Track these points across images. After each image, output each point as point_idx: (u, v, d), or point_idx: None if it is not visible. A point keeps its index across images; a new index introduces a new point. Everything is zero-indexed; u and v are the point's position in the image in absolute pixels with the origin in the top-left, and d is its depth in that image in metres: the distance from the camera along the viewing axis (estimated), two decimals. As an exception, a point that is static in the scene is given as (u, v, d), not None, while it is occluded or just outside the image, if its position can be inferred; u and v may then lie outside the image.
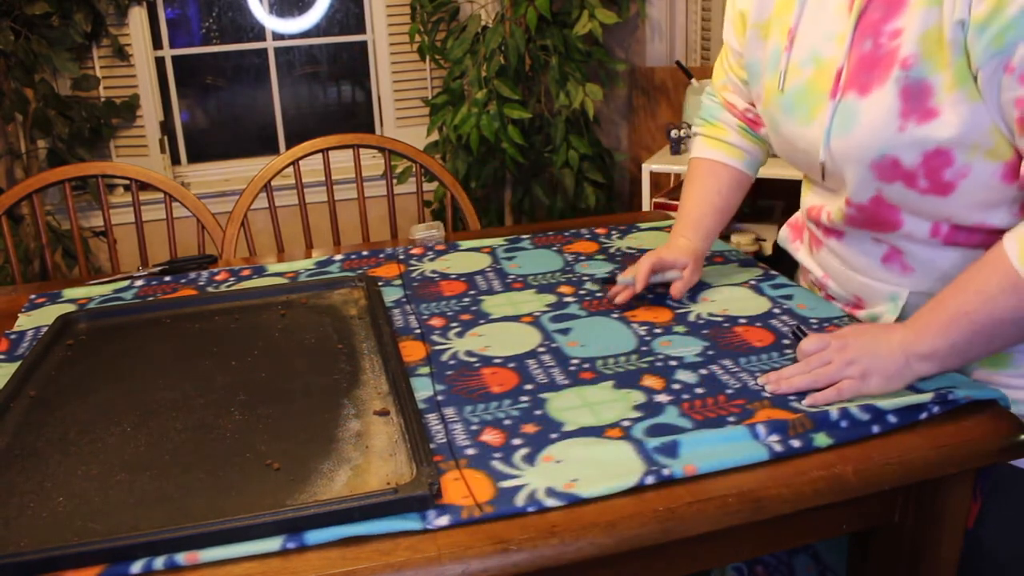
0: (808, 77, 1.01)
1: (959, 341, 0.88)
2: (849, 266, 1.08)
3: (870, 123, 0.92)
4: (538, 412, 0.91)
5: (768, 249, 2.44)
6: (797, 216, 1.24)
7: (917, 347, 0.90)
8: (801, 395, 0.91)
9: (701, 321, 1.12)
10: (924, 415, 0.88)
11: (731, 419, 0.88)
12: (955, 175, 0.89)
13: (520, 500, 0.76)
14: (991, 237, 0.91)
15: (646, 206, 2.52)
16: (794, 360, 1.00)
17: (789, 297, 1.18)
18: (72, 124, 2.69)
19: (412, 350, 1.07)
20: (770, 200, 2.71)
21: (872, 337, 0.93)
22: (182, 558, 0.71)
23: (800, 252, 1.22)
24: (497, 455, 0.83)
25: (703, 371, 0.98)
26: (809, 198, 1.14)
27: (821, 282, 1.17)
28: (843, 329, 0.97)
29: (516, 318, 1.16)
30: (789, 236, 1.25)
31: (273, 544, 0.72)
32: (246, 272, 1.41)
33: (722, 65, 1.25)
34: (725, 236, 2.46)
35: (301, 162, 1.79)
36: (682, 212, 1.27)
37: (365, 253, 1.46)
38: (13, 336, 1.19)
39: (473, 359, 1.04)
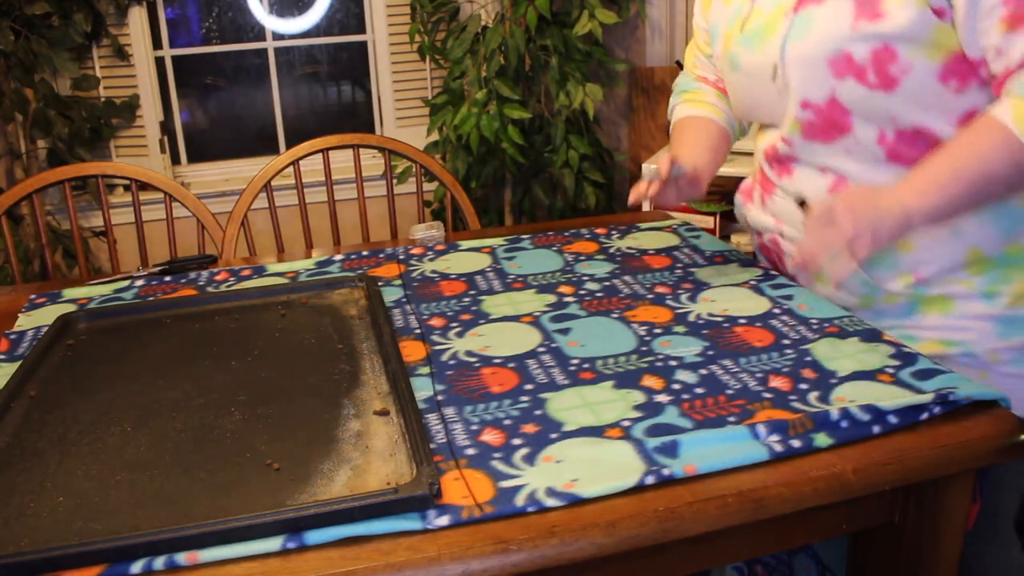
0: (768, 15, 1.13)
1: (956, 198, 0.98)
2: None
3: (826, 24, 1.05)
4: (538, 412, 0.91)
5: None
6: (746, 181, 1.33)
7: (918, 203, 0.98)
8: (807, 394, 0.92)
9: (701, 321, 1.12)
10: (924, 415, 0.88)
11: (731, 419, 0.88)
12: (899, 71, 1.01)
13: (520, 500, 0.76)
14: (931, 152, 1.02)
15: (646, 206, 2.52)
16: (794, 360, 1.00)
17: (789, 297, 1.18)
18: (72, 124, 2.69)
19: (412, 350, 1.07)
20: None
21: (874, 197, 1.01)
22: (182, 558, 0.71)
23: (752, 211, 1.29)
24: (497, 455, 0.83)
25: (703, 371, 0.98)
26: (763, 140, 1.23)
27: (774, 237, 1.23)
28: (843, 194, 1.03)
29: (516, 318, 1.16)
30: (741, 200, 1.33)
31: (273, 544, 0.72)
32: (246, 272, 1.41)
33: (692, 51, 1.39)
34: (725, 236, 2.46)
35: (301, 162, 1.79)
36: (677, 152, 1.28)
37: (365, 253, 1.46)
38: (13, 336, 1.19)
39: (473, 359, 1.04)
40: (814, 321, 1.11)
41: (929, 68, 1.01)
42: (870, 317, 1.14)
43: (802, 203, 1.09)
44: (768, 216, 1.24)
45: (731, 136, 1.35)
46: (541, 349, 1.06)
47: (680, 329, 1.10)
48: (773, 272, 1.28)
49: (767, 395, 0.92)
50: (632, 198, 1.15)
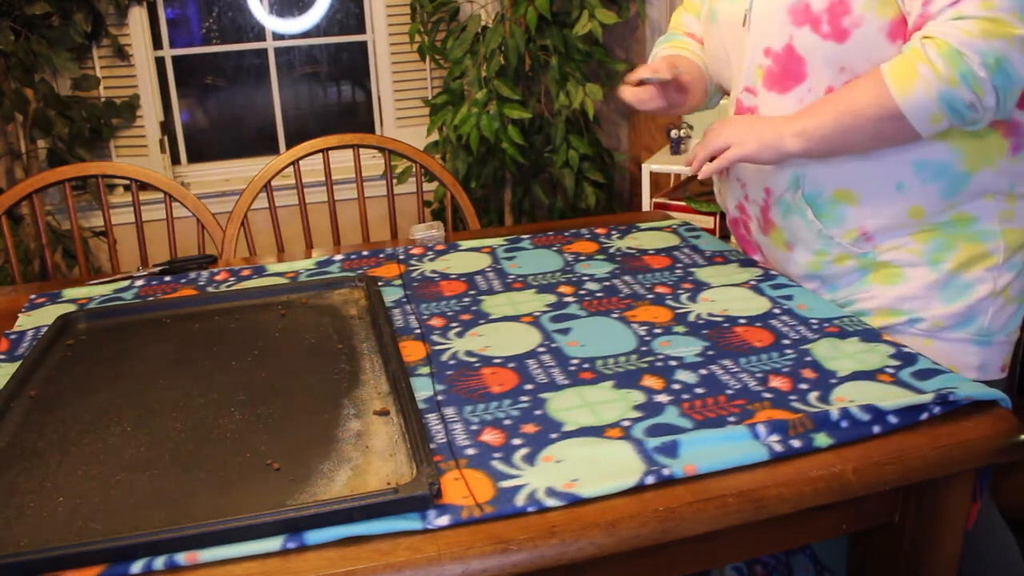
0: None
1: (824, 125, 1.08)
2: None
3: None
4: (538, 412, 0.91)
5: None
6: None
7: (791, 125, 1.11)
8: (807, 394, 0.92)
9: (701, 321, 1.12)
10: (925, 415, 0.88)
11: (731, 419, 0.88)
12: (851, 23, 1.07)
13: (520, 500, 0.76)
14: None
15: (646, 206, 2.52)
16: (794, 360, 1.00)
17: (789, 297, 1.18)
18: (72, 124, 2.69)
19: (412, 350, 1.07)
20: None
21: (754, 116, 1.17)
22: (182, 558, 0.71)
23: (725, 181, 1.35)
24: (497, 455, 0.83)
25: (703, 371, 0.98)
26: (732, 105, 1.31)
27: (741, 203, 1.31)
28: (737, 116, 1.19)
29: (516, 318, 1.16)
30: (716, 176, 1.40)
31: (273, 544, 0.72)
32: (246, 272, 1.41)
33: (679, 14, 1.47)
34: (725, 236, 2.46)
35: (301, 162, 1.79)
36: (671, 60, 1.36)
37: (365, 253, 1.46)
38: (13, 336, 1.19)
39: (473, 359, 1.04)
40: (814, 321, 1.11)
41: (878, 24, 1.07)
42: (825, 290, 1.22)
43: None
44: (734, 181, 1.31)
45: (707, 84, 1.40)
46: (541, 349, 1.06)
47: (680, 329, 1.10)
48: (773, 272, 1.28)
49: (767, 395, 0.92)
50: (634, 76, 1.28)
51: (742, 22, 1.20)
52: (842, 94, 1.08)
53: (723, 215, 2.43)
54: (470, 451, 0.84)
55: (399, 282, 1.32)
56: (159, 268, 1.45)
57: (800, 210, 1.18)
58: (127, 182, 1.76)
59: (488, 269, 1.36)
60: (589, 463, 0.81)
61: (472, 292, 1.26)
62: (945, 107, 1.00)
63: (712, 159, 1.18)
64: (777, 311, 1.14)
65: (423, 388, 0.97)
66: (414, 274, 1.35)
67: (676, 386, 0.95)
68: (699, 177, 1.18)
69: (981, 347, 1.15)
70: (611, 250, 1.42)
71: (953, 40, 0.98)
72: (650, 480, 0.78)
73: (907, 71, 1.01)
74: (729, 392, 0.94)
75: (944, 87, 0.99)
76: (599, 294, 1.23)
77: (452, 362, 1.04)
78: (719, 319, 1.12)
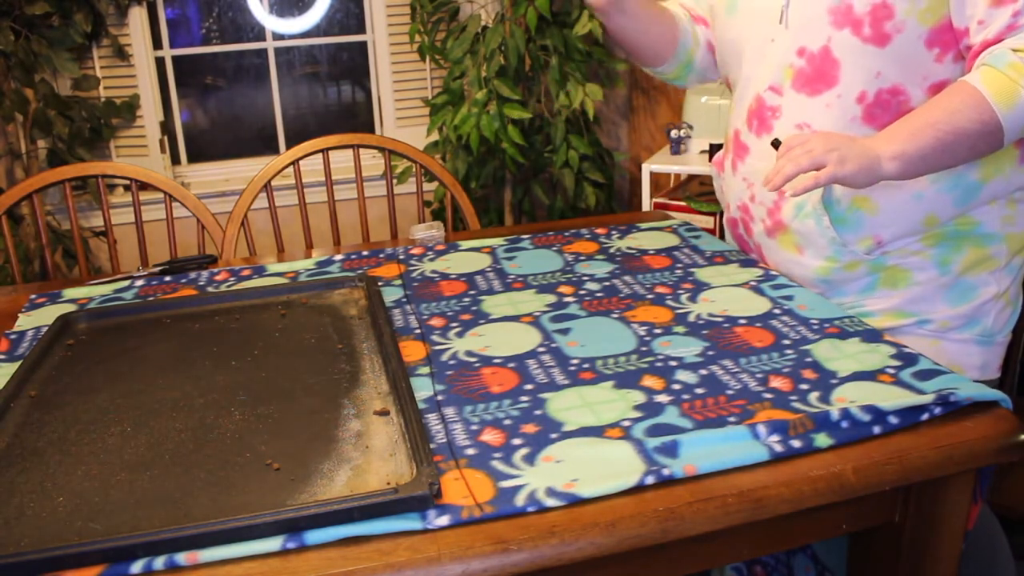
0: None
1: (924, 147, 1.03)
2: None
3: None
4: (538, 412, 0.91)
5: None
6: (719, 153, 1.41)
7: (888, 148, 1.04)
8: (808, 394, 0.92)
9: (701, 321, 1.12)
10: (925, 416, 0.88)
11: (731, 419, 0.88)
12: (893, 28, 1.07)
13: (520, 500, 0.76)
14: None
15: (646, 206, 2.52)
16: (794, 360, 1.00)
17: (789, 298, 1.18)
18: (72, 124, 2.69)
19: (412, 350, 1.07)
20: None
21: (849, 135, 1.08)
22: (182, 558, 0.71)
23: (726, 179, 1.35)
24: (497, 455, 0.83)
25: (703, 371, 0.98)
26: (740, 105, 1.29)
27: (743, 203, 1.29)
28: (818, 132, 1.11)
29: (516, 318, 1.16)
30: (716, 172, 1.41)
31: (273, 544, 0.72)
32: (246, 272, 1.40)
33: None
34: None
35: (301, 162, 1.79)
36: None
37: (365, 253, 1.46)
38: (13, 336, 1.19)
39: (473, 359, 1.04)
40: (814, 321, 1.11)
41: (919, 30, 1.06)
42: (833, 294, 1.22)
43: (776, 143, 1.13)
44: (739, 180, 1.30)
45: (677, 37, 1.39)
46: (541, 349, 1.06)
47: (680, 329, 1.10)
48: (773, 272, 1.28)
49: (767, 395, 0.92)
50: None
51: (778, 18, 1.18)
52: (934, 113, 1.04)
53: (723, 214, 2.43)
54: (470, 451, 0.84)
55: (399, 282, 1.32)
56: (159, 268, 1.45)
57: (817, 215, 1.18)
58: (127, 182, 1.76)
59: (488, 269, 1.36)
60: (589, 463, 0.81)
61: (472, 292, 1.26)
62: None
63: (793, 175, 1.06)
64: (777, 311, 1.14)
65: (423, 388, 0.97)
66: (414, 274, 1.35)
67: (676, 386, 0.95)
68: (788, 194, 1.05)
69: (983, 347, 1.16)
70: (611, 250, 1.42)
71: None
72: (650, 480, 0.78)
73: (1008, 87, 1.00)
74: (729, 392, 0.93)
75: None
76: (599, 294, 1.23)
77: (452, 362, 1.04)
78: (719, 319, 1.12)
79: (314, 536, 0.72)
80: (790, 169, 1.04)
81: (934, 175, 1.11)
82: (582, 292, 1.24)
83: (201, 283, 1.37)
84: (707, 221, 2.43)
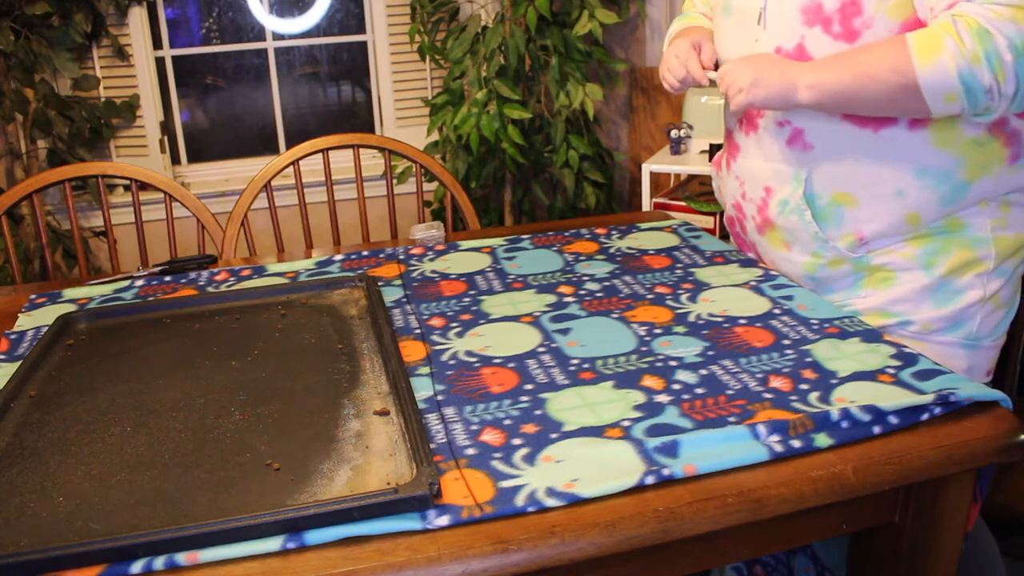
0: None
1: (842, 83, 1.06)
2: (763, 156, 1.23)
3: None
4: (538, 412, 0.91)
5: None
6: (718, 153, 1.43)
7: (806, 75, 1.08)
8: (808, 394, 0.92)
9: (701, 321, 1.12)
10: (925, 416, 0.88)
11: (731, 419, 0.88)
12: (862, 25, 1.08)
13: (520, 500, 0.76)
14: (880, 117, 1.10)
15: (646, 206, 2.52)
16: (794, 360, 1.00)
17: (789, 298, 1.18)
18: (72, 124, 2.69)
19: (412, 350, 1.07)
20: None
21: (770, 60, 1.13)
22: (182, 558, 0.71)
23: (723, 178, 1.36)
24: (497, 455, 0.83)
25: (703, 371, 0.98)
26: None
27: (737, 202, 1.31)
28: (748, 56, 1.17)
29: (516, 318, 1.16)
30: (715, 171, 1.42)
31: (273, 544, 0.72)
32: (246, 272, 1.40)
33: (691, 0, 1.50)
34: (725, 236, 2.46)
35: (301, 162, 1.79)
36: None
37: (365, 253, 1.46)
38: (13, 336, 1.19)
39: (473, 359, 1.04)
40: (814, 321, 1.11)
41: (888, 26, 1.06)
42: (821, 292, 1.23)
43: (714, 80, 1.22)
44: (733, 179, 1.31)
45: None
46: (541, 349, 1.06)
47: (680, 329, 1.10)
48: (773, 272, 1.28)
49: (767, 395, 0.92)
50: (675, 83, 1.29)
51: (756, 19, 1.20)
52: (862, 54, 1.06)
53: (723, 214, 2.44)
54: (470, 451, 0.84)
55: (399, 282, 1.32)
56: (159, 268, 1.45)
57: (799, 210, 1.18)
58: (127, 182, 1.76)
59: (488, 269, 1.36)
60: (589, 463, 0.81)
61: (472, 292, 1.26)
62: (963, 86, 0.98)
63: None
64: (777, 311, 1.14)
65: (423, 388, 0.97)
66: (414, 274, 1.35)
67: (676, 386, 0.95)
68: (731, 111, 1.18)
69: (969, 351, 1.16)
70: (611, 250, 1.42)
71: (984, 20, 0.97)
72: (650, 480, 0.78)
73: (933, 42, 0.99)
74: (729, 392, 0.93)
75: (966, 64, 0.97)
76: (599, 294, 1.23)
77: (452, 362, 1.04)
78: (719, 319, 1.12)
79: (314, 536, 0.72)
80: (721, 88, 1.17)
81: (915, 170, 1.10)
82: (582, 292, 1.24)
83: (201, 283, 1.37)
84: (707, 221, 2.43)
